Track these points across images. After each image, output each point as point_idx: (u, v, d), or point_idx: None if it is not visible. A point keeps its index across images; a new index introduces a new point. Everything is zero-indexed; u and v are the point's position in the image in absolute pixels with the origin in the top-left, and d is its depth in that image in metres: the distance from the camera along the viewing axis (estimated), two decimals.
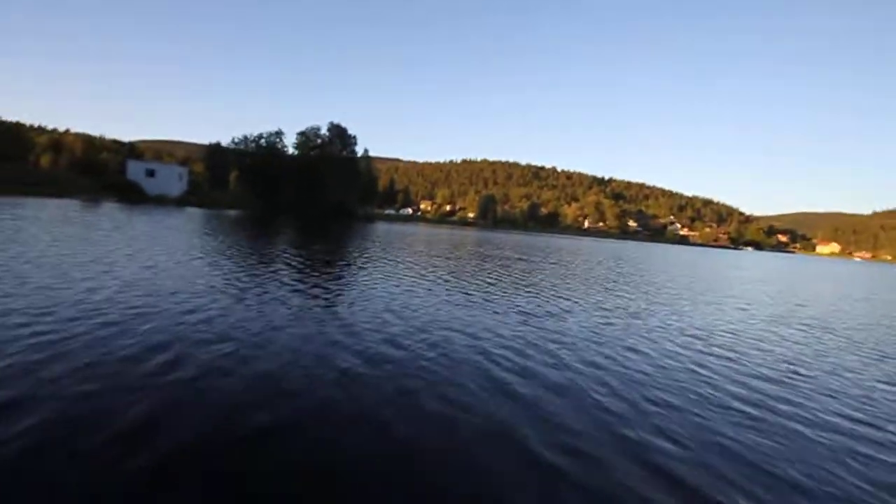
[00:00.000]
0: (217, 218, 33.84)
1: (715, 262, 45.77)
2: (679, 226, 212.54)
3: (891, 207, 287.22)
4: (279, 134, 59.48)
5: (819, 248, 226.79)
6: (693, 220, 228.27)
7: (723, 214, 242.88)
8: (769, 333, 9.84)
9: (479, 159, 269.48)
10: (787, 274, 35.74)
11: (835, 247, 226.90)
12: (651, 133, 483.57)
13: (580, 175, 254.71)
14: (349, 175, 60.13)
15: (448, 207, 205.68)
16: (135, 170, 52.14)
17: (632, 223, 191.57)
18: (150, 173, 51.95)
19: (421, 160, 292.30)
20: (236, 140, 58.82)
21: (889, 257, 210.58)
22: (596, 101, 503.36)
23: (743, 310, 13.14)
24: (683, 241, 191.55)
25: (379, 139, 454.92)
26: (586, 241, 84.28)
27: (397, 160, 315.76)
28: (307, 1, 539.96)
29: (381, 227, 49.43)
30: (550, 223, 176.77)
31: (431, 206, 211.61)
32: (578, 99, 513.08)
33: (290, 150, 60.79)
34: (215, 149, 75.92)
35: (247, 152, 57.90)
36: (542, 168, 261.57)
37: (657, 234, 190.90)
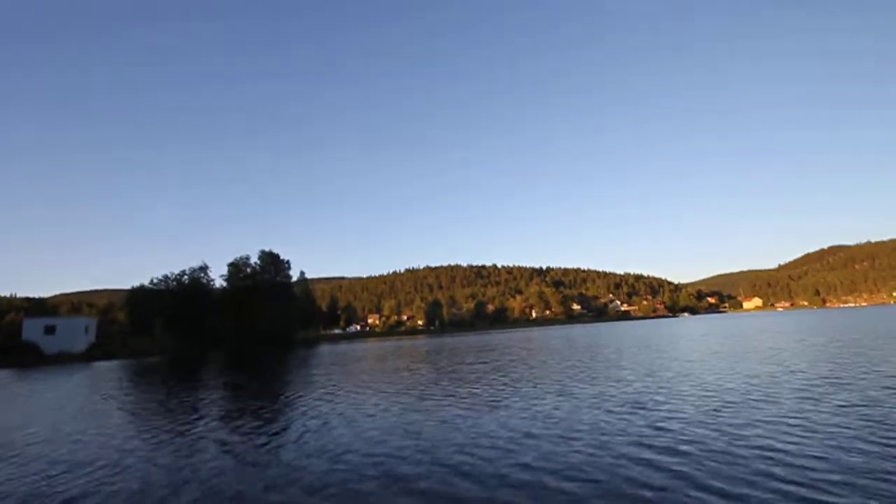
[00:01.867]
0: (128, 369, 30.48)
1: (682, 330, 47.27)
2: (619, 302, 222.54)
3: (791, 259, 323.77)
4: (203, 269, 57.74)
5: (745, 305, 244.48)
6: (630, 295, 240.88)
7: (655, 286, 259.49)
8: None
9: (421, 267, 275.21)
10: (743, 329, 37.50)
11: (758, 301, 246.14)
12: (577, 219, 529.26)
13: (520, 268, 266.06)
14: (283, 300, 58.31)
15: (395, 318, 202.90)
16: (31, 328, 46.88)
17: (576, 306, 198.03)
18: (50, 330, 46.86)
19: (365, 275, 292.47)
20: (155, 280, 56.09)
21: (806, 303, 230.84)
22: (519, 195, 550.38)
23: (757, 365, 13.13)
24: (626, 316, 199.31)
25: (319, 260, 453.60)
26: (536, 332, 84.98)
27: (340, 278, 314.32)
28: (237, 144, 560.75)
29: (324, 350, 46.90)
30: (499, 319, 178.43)
31: (379, 319, 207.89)
32: (503, 194, 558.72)
33: (220, 283, 58.67)
34: (137, 291, 71.62)
35: (168, 291, 54.99)
36: (483, 266, 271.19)
37: (601, 313, 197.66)
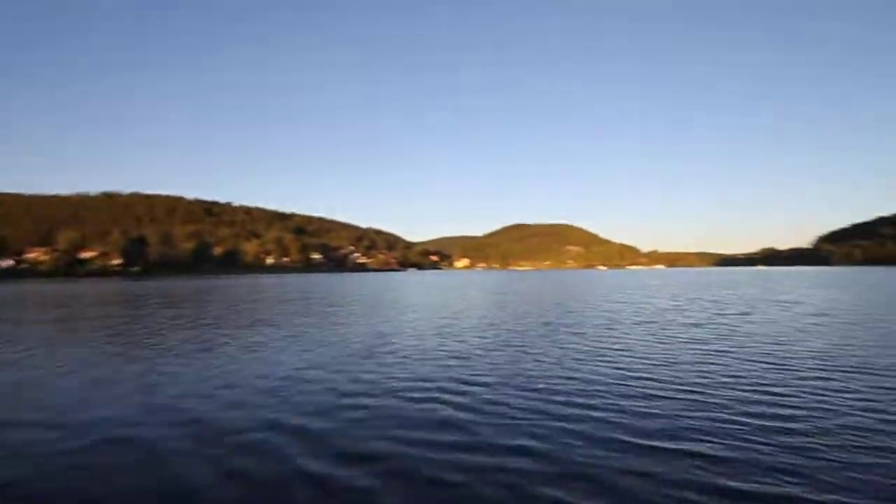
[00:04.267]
0: None
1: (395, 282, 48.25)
2: (358, 255, 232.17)
3: (492, 230, 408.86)
4: None
5: (456, 264, 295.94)
6: (369, 248, 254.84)
7: (391, 242, 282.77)
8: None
9: (126, 192, 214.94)
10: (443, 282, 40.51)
11: (466, 261, 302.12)
12: (332, 170, 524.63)
13: (260, 210, 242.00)
14: None
15: (77, 255, 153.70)
16: None
17: (316, 256, 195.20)
18: None
19: (29, 192, 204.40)
20: None
21: (497, 265, 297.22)
22: (278, 136, 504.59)
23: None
24: (362, 268, 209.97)
25: None
26: (265, 279, 77.18)
27: None
28: None
29: None
30: (228, 263, 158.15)
31: (48, 254, 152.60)
32: (259, 134, 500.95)
33: None
34: None
35: None
36: (216, 203, 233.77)
37: (340, 264, 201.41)
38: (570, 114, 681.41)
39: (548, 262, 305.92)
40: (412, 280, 63.13)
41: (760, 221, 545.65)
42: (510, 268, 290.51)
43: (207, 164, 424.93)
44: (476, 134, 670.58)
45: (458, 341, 10.10)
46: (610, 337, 10.63)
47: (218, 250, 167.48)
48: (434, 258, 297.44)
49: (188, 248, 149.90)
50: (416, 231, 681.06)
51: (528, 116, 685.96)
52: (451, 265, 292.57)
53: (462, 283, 46.79)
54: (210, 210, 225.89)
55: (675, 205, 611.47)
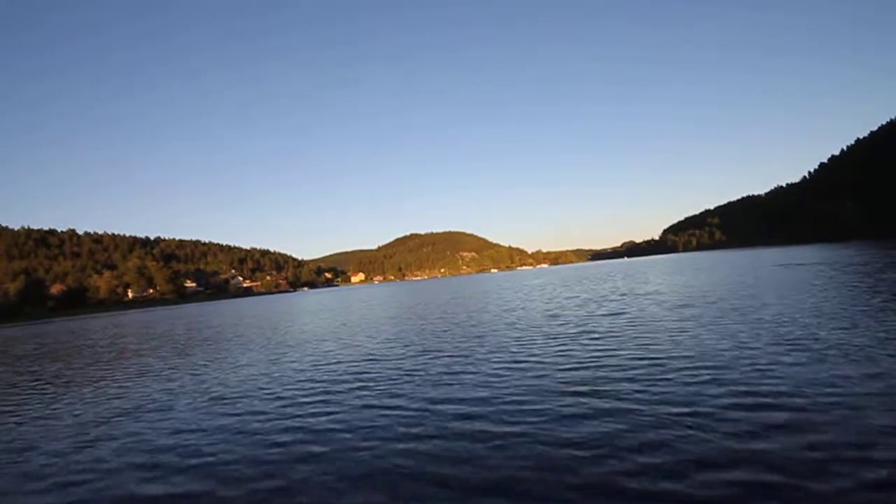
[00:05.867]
0: None
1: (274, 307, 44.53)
2: (241, 278, 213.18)
3: (386, 242, 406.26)
4: None
5: (353, 279, 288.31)
6: (254, 270, 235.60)
7: (280, 262, 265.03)
8: None
9: None
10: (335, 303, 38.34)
11: (362, 276, 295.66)
12: (192, 191, 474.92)
13: (114, 237, 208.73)
14: None
15: None
16: None
17: (189, 284, 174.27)
18: None
19: None
20: None
21: (392, 277, 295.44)
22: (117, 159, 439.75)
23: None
24: (248, 292, 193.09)
25: None
26: (125, 317, 66.14)
27: None
28: None
29: None
30: (73, 302, 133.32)
31: None
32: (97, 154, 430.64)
33: None
34: None
35: None
36: (52, 232, 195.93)
37: (220, 290, 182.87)
38: (455, 122, 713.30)
39: (443, 270, 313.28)
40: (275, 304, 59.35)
41: (621, 219, 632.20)
42: (406, 278, 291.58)
43: (38, 186, 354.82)
44: (362, 147, 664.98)
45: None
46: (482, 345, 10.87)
47: (57, 287, 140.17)
48: (328, 275, 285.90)
49: (12, 289, 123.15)
50: (309, 250, 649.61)
51: (412, 124, 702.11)
52: (347, 281, 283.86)
53: (319, 304, 45.23)
54: (45, 240, 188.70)
55: (552, 208, 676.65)
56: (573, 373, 6.90)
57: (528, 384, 6.51)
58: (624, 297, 18.73)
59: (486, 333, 12.00)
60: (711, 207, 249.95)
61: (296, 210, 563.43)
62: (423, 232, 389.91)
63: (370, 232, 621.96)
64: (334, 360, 10.12)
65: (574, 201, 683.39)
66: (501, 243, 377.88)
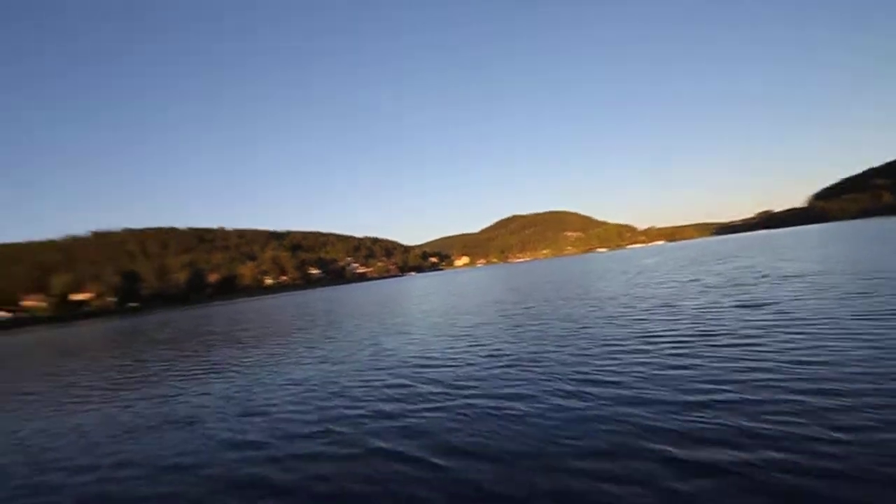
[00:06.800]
0: None
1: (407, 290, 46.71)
2: (356, 265, 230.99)
3: (488, 224, 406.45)
4: None
5: (456, 263, 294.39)
6: (367, 257, 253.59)
7: (389, 249, 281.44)
8: None
9: (118, 229, 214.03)
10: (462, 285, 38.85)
11: (466, 259, 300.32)
12: (317, 181, 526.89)
13: (254, 232, 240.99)
14: None
15: (72, 298, 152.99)
16: None
17: (313, 271, 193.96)
18: None
19: (21, 239, 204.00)
20: None
21: (495, 259, 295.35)
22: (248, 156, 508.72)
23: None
24: (362, 277, 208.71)
25: None
26: (268, 301, 75.39)
27: None
28: None
29: None
30: (226, 288, 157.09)
31: (44, 300, 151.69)
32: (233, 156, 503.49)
33: None
34: None
35: None
36: (208, 230, 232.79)
37: (338, 276, 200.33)
38: (552, 103, 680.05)
39: (546, 251, 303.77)
40: (398, 286, 61.52)
41: (753, 185, 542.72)
42: (508, 261, 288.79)
43: (197, 191, 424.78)
44: (461, 133, 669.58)
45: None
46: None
47: (214, 276, 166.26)
48: (433, 260, 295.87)
49: (181, 278, 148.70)
50: (414, 236, 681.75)
51: (510, 110, 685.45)
52: (451, 264, 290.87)
53: (428, 288, 45.01)
54: (203, 237, 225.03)
55: (667, 178, 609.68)
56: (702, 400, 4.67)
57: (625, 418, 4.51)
58: (765, 279, 14.77)
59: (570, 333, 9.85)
60: (878, 165, 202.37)
61: (397, 198, 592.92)
62: (525, 213, 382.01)
63: (473, 216, 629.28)
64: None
65: (693, 167, 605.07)
66: (609, 221, 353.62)
